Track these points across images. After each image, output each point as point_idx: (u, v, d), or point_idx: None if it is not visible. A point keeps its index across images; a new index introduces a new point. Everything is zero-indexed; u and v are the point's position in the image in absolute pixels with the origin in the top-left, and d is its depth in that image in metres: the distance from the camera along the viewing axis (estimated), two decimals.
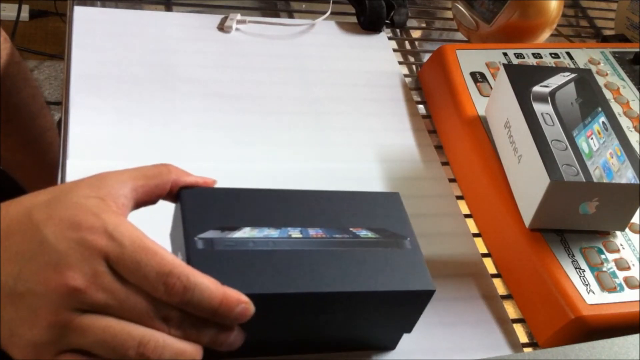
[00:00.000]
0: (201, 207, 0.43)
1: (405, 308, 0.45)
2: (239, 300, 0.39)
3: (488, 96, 0.64)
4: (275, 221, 0.44)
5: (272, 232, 0.43)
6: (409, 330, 0.46)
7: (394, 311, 0.44)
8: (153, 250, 0.38)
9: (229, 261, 0.41)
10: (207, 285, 0.38)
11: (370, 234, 0.45)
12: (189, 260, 0.40)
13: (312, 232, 0.44)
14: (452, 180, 0.63)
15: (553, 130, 0.53)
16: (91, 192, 0.39)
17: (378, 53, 0.77)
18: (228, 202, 0.44)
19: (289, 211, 0.45)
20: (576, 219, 0.52)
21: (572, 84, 0.58)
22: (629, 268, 0.52)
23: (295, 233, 0.44)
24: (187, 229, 0.42)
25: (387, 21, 0.80)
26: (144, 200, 0.43)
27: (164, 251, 0.38)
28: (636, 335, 0.39)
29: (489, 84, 0.66)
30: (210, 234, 0.42)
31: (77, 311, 0.37)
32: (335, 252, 0.43)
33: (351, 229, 0.45)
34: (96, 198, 0.39)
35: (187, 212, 0.43)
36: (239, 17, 0.75)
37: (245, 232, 0.43)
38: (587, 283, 0.50)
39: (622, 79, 0.69)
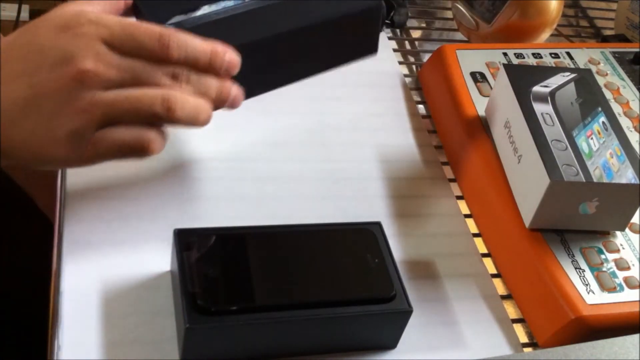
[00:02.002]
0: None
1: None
2: (225, 49, 0.44)
3: (488, 96, 0.64)
4: None
5: (229, 2, 0.49)
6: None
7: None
8: (138, 23, 0.42)
9: (204, 34, 0.45)
10: (195, 39, 0.43)
11: None
12: None
13: None
14: (452, 180, 0.63)
15: (553, 130, 0.53)
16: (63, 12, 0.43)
17: (378, 53, 0.77)
18: None
19: None
20: (576, 219, 0.52)
21: (572, 84, 0.58)
22: (629, 268, 0.52)
23: None
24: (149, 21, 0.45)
25: (387, 21, 0.80)
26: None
27: (148, 23, 0.43)
28: (636, 335, 0.39)
29: (489, 84, 0.66)
30: (176, 18, 0.47)
31: (96, 92, 0.40)
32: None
33: None
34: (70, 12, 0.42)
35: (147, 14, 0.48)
36: None
37: (205, 10, 0.49)
38: (587, 283, 0.50)
39: (622, 79, 0.69)
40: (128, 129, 0.42)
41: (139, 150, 0.42)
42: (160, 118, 0.42)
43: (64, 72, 0.40)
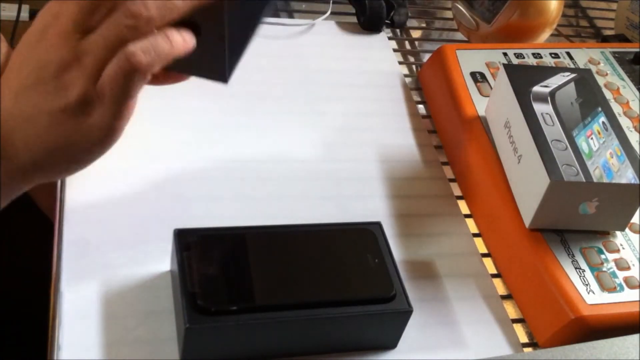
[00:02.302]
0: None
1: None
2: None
3: (488, 96, 0.64)
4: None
5: None
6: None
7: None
8: None
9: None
10: None
11: None
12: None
13: None
14: (452, 180, 0.63)
15: (553, 130, 0.53)
16: None
17: (378, 53, 0.77)
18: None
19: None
20: (576, 219, 0.52)
21: (572, 84, 0.58)
22: (629, 268, 0.52)
23: None
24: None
25: (387, 21, 0.80)
26: None
27: None
28: (636, 335, 0.39)
29: (489, 84, 0.66)
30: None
31: (77, 44, 0.40)
32: None
33: None
34: None
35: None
36: None
37: None
38: (587, 283, 0.50)
39: (622, 79, 0.69)
40: (115, 59, 0.41)
41: (134, 68, 0.41)
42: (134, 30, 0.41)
43: (45, 38, 0.41)
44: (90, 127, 0.41)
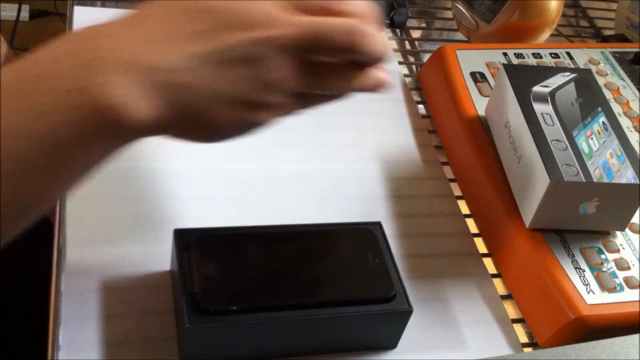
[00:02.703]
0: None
1: None
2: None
3: (488, 96, 0.64)
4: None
5: None
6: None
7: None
8: None
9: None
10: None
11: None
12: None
13: None
14: (452, 180, 0.63)
15: (553, 130, 0.53)
16: None
17: None
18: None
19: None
20: (576, 219, 0.52)
21: (572, 84, 0.58)
22: (629, 268, 0.52)
23: None
24: None
25: (387, 21, 0.80)
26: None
27: None
28: (636, 335, 0.39)
29: (489, 84, 0.66)
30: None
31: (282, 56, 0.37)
32: None
33: None
34: None
35: None
36: None
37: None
38: (587, 283, 0.50)
39: (622, 79, 0.69)
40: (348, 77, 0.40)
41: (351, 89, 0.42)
42: (344, 50, 0.39)
43: (252, 33, 0.36)
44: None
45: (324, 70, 0.40)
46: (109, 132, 0.35)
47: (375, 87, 0.42)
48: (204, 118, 0.37)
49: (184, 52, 0.36)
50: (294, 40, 0.37)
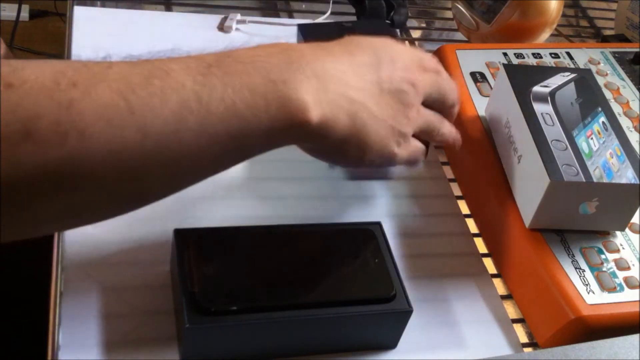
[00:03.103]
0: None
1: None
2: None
3: (488, 96, 0.64)
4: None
5: None
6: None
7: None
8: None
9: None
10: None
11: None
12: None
13: None
14: (452, 180, 0.63)
15: (553, 130, 0.53)
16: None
17: None
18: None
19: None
20: (576, 219, 0.52)
21: (572, 84, 0.58)
22: (629, 268, 0.52)
23: None
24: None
25: (387, 21, 0.80)
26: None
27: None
28: (636, 335, 0.39)
29: (489, 84, 0.66)
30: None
31: (419, 104, 0.48)
32: None
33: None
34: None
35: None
36: (239, 17, 0.75)
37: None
38: (587, 283, 0.50)
39: (622, 79, 0.69)
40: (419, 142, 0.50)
41: (418, 161, 0.50)
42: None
43: (404, 73, 0.46)
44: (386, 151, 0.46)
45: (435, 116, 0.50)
46: (287, 121, 0.40)
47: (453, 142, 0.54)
48: (365, 133, 0.44)
49: (365, 77, 0.44)
50: (428, 88, 0.48)
